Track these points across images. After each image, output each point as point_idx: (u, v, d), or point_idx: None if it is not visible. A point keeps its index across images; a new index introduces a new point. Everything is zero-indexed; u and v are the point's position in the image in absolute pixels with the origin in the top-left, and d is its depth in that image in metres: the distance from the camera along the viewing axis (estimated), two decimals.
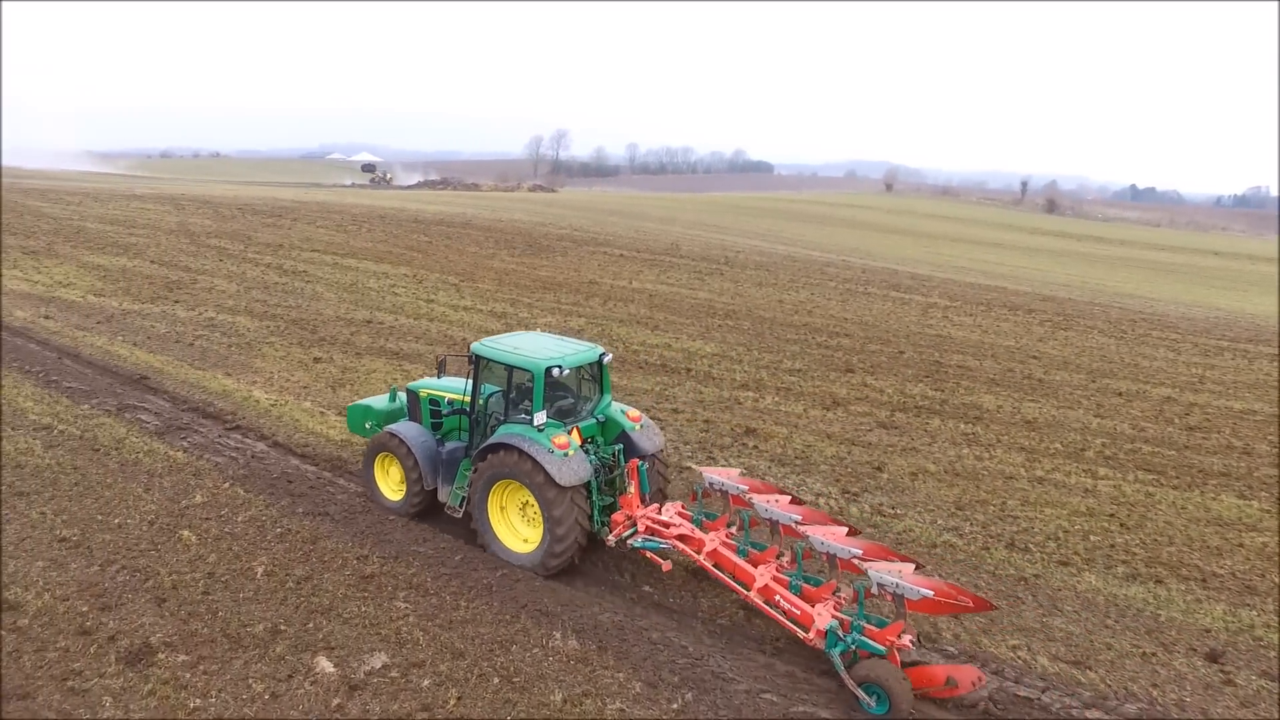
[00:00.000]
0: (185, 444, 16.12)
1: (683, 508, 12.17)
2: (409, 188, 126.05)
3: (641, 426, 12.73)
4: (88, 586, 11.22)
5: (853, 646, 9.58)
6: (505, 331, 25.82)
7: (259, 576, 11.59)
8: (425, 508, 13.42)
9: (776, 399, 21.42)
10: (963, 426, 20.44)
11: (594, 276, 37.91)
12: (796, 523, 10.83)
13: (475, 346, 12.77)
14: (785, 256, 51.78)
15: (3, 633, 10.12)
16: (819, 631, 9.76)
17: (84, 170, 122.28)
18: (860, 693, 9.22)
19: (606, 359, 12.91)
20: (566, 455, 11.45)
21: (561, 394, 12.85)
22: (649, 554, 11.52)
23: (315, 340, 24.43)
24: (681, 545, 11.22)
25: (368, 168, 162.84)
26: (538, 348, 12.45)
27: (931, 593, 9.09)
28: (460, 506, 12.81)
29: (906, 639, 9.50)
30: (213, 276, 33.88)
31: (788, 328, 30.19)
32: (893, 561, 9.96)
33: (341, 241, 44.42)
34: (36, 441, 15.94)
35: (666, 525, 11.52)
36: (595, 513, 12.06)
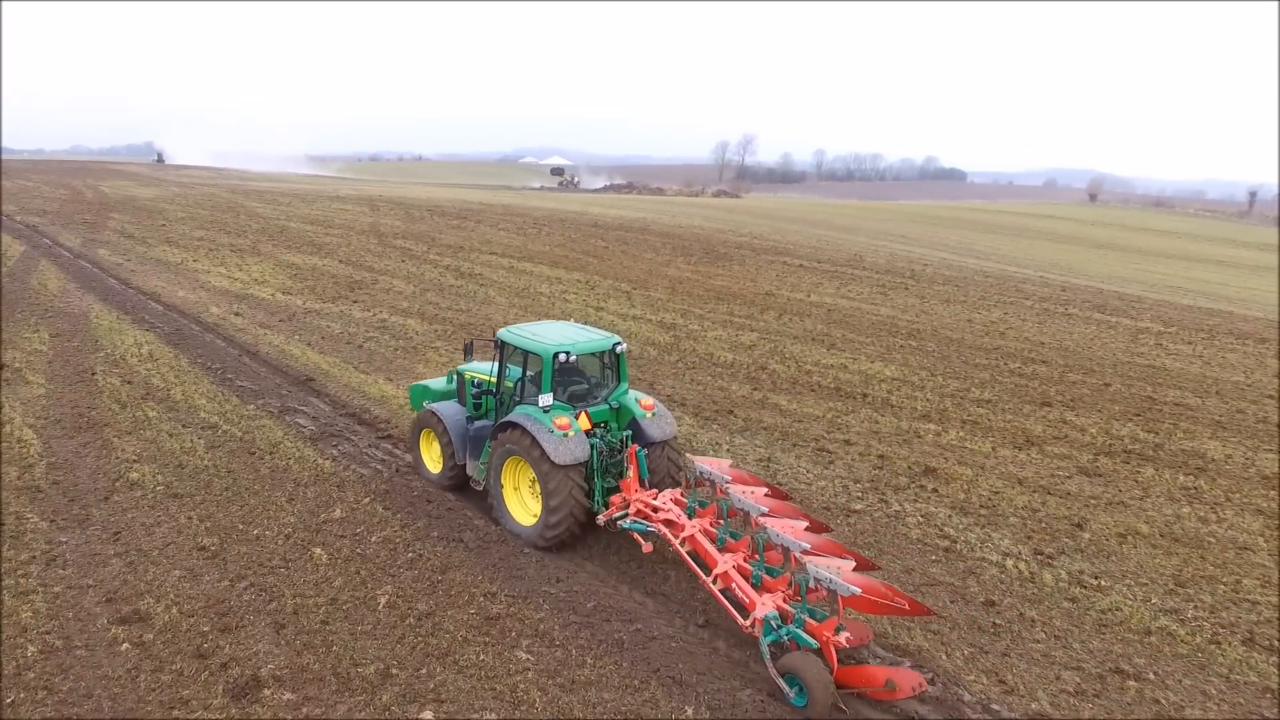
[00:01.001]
0: (335, 452, 15.92)
1: (680, 495, 12.32)
2: (594, 191, 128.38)
3: (653, 415, 13.09)
4: (215, 603, 10.90)
5: (786, 638, 9.58)
6: (672, 343, 25.05)
7: (381, 608, 10.93)
8: (459, 482, 14.26)
9: (961, 434, 19.17)
10: (1182, 478, 17.46)
11: (770, 287, 36.31)
12: (762, 514, 10.76)
13: (500, 332, 13.48)
14: (977, 271, 48.09)
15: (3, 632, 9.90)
16: (757, 620, 9.84)
17: (302, 173, 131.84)
18: (781, 683, 9.32)
19: (621, 349, 13.24)
20: (566, 435, 11.92)
21: (577, 380, 13.42)
22: (635, 535, 11.97)
23: (479, 348, 24.20)
24: (664, 530, 11.51)
25: (556, 171, 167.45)
26: (554, 335, 13.08)
27: (859, 590, 9.06)
28: (483, 480, 13.49)
29: (843, 636, 9.35)
30: (392, 277, 34.76)
31: (977, 351, 27.50)
32: (837, 558, 9.87)
33: (520, 245, 44.91)
34: (200, 441, 16.20)
35: (656, 510, 11.87)
36: (598, 494, 12.56)
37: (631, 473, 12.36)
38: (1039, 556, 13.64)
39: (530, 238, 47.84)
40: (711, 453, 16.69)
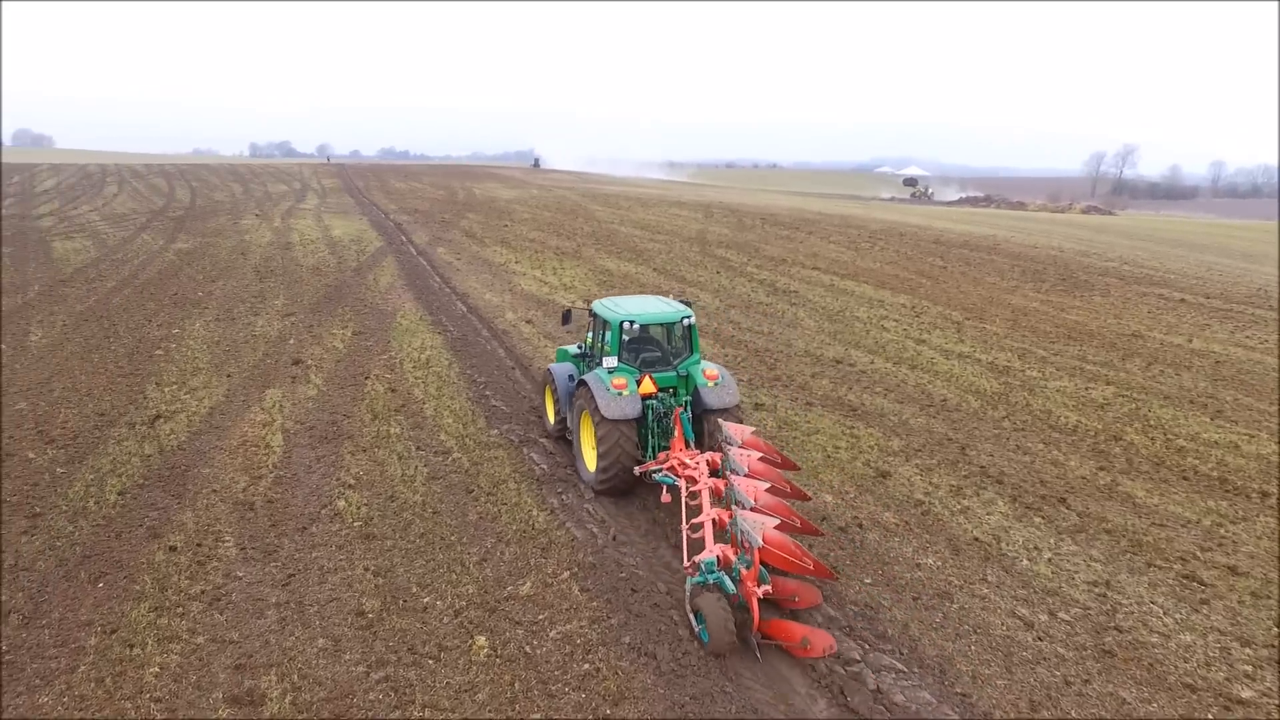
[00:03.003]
0: (556, 502, 13.66)
1: (718, 458, 12.55)
2: (948, 204, 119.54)
3: (715, 385, 13.74)
4: (337, 695, 8.90)
5: (711, 580, 9.94)
6: (1000, 394, 20.09)
7: None
8: (564, 432, 15.57)
9: None
10: None
11: (1139, 327, 29.28)
12: (744, 474, 11.38)
13: (594, 304, 15.01)
14: None
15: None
16: (694, 562, 10.29)
17: (655, 178, 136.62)
18: (691, 618, 10.03)
19: (688, 320, 14.17)
20: (620, 395, 13.07)
21: (650, 348, 14.58)
22: (665, 487, 12.72)
23: (768, 379, 21.10)
24: (683, 484, 12.08)
25: (909, 182, 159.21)
26: (629, 306, 14.53)
27: (760, 540, 9.71)
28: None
29: (764, 589, 9.74)
30: (701, 289, 32.67)
31: None
32: (766, 516, 10.33)
33: (847, 260, 41.04)
34: (425, 470, 14.76)
35: (686, 467, 12.37)
36: (651, 450, 13.62)
37: (677, 433, 13.24)
38: None
39: (861, 253, 43.70)
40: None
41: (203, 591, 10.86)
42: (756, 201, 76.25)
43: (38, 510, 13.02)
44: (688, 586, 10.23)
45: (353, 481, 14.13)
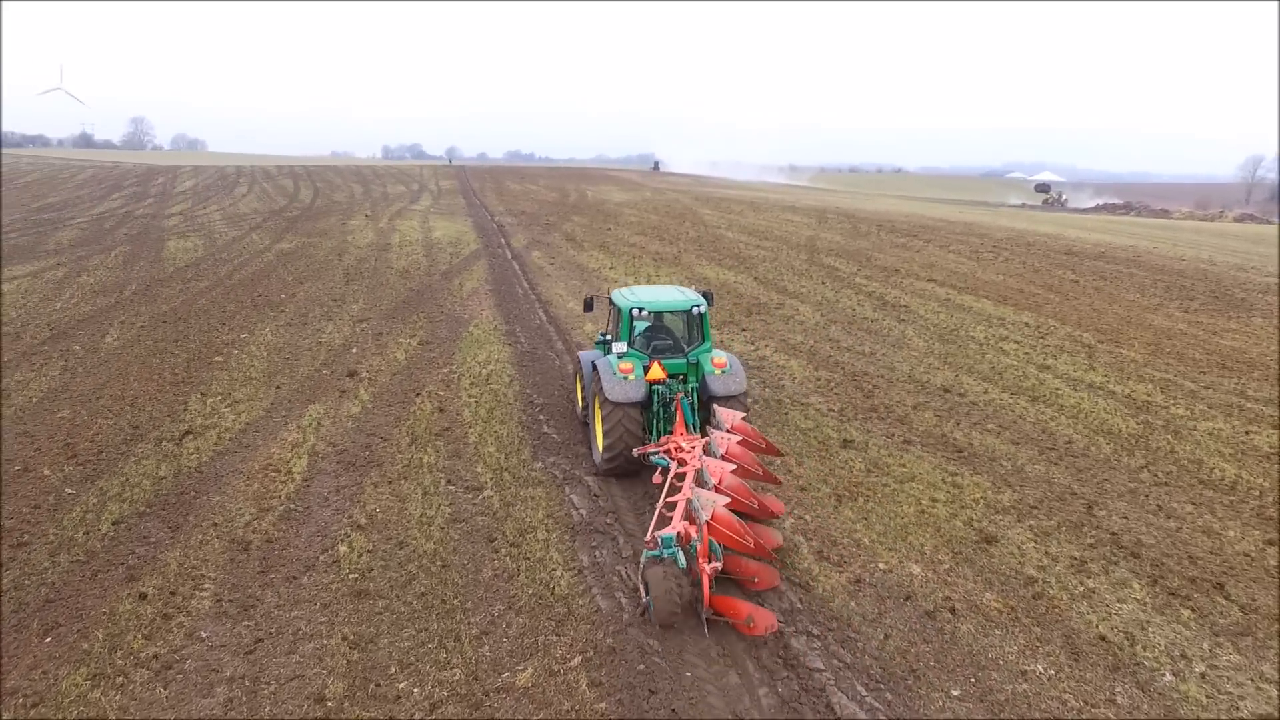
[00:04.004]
0: (586, 559, 11.62)
1: None
2: (1082, 211, 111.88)
3: (722, 373, 14.11)
4: None
5: (665, 555, 10.00)
6: (1139, 436, 16.86)
7: None
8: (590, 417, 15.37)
9: None
10: None
11: None
12: (719, 456, 11.93)
13: (612, 292, 15.40)
14: None
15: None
16: (654, 536, 10.37)
17: (773, 182, 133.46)
18: (642, 589, 10.09)
19: (699, 310, 14.49)
20: (625, 379, 13.55)
21: (662, 335, 14.89)
22: (659, 468, 12.79)
23: (862, 409, 18.55)
24: (675, 465, 12.35)
25: (1041, 188, 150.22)
26: (642, 294, 15.04)
27: (707, 517, 10.13)
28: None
29: (713, 566, 10.02)
30: (803, 302, 30.13)
31: None
32: (724, 496, 10.64)
33: (966, 272, 37.60)
34: (449, 509, 13.01)
35: (680, 450, 12.63)
36: (655, 434, 13.92)
37: (679, 418, 13.47)
38: None
39: (983, 264, 40.04)
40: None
41: (155, 656, 9.34)
42: (875, 207, 72.47)
43: (25, 539, 11.90)
44: (643, 558, 10.33)
45: (364, 521, 12.49)
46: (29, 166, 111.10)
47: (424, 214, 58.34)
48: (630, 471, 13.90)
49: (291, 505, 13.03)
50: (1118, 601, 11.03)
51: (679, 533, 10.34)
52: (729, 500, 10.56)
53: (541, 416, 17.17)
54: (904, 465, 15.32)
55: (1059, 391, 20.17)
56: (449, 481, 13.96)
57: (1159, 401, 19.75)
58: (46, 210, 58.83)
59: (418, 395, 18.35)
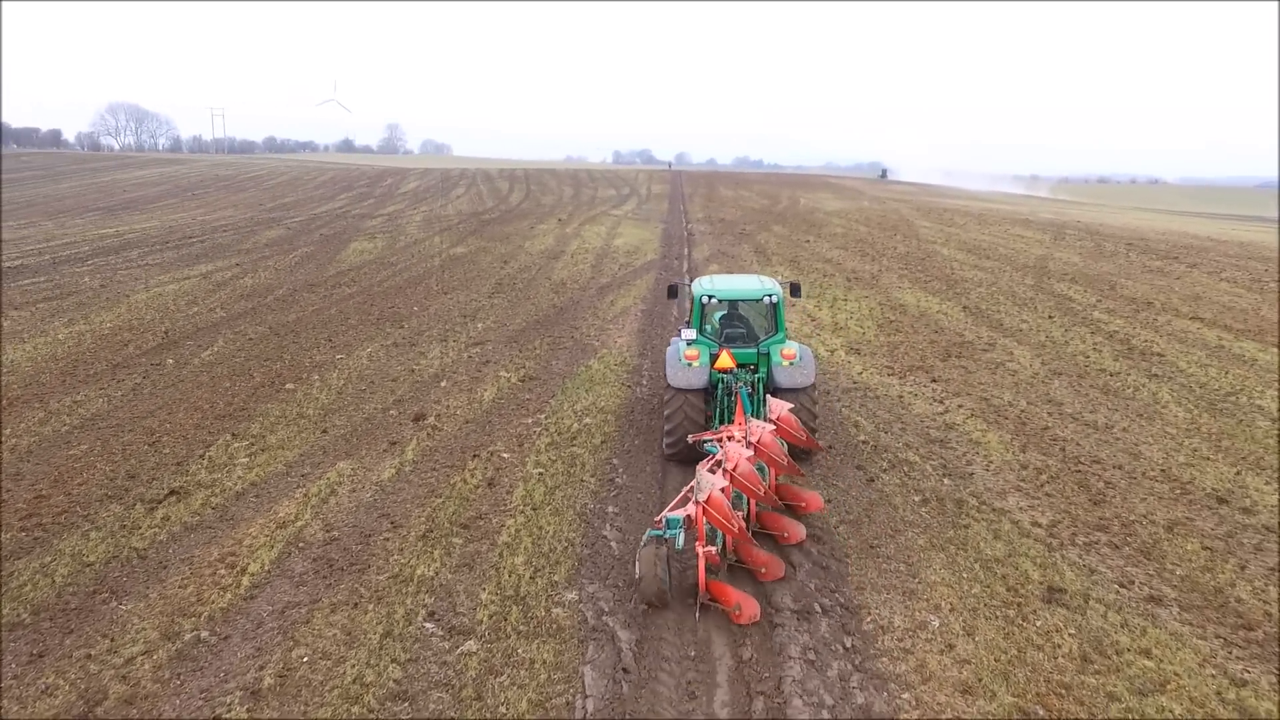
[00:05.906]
0: None
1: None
2: None
3: (790, 365, 13.77)
4: None
5: (668, 537, 9.87)
6: None
7: None
8: None
9: None
10: None
11: None
12: (749, 442, 11.42)
13: (694, 281, 15.55)
14: None
15: None
16: (662, 517, 10.11)
17: (1008, 192, 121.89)
18: (636, 567, 9.96)
19: (773, 299, 14.29)
20: (690, 365, 13.51)
21: (736, 324, 15.01)
22: (709, 456, 11.92)
23: (1088, 524, 12.65)
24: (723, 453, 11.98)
25: None
26: (717, 283, 15.14)
27: (702, 498, 9.75)
28: None
29: (711, 550, 10.15)
30: (1019, 342, 23.76)
31: None
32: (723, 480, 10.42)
33: (1245, 308, 29.09)
34: (400, 673, 8.79)
35: (733, 439, 11.88)
36: (717, 422, 13.74)
37: (738, 408, 12.98)
38: None
39: (1268, 297, 31.08)
40: None
41: None
42: (1123, 222, 61.71)
43: None
44: (645, 536, 10.06)
45: (268, 683, 8.51)
46: (285, 168, 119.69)
47: (619, 219, 55.48)
48: (691, 459, 13.41)
49: (204, 634, 9.35)
50: None
51: (686, 516, 10.01)
52: (725, 484, 10.22)
53: (611, 509, 12.62)
54: (1148, 649, 9.50)
55: None
56: (430, 615, 9.75)
57: None
58: (276, 210, 61.04)
59: (475, 457, 14.43)
